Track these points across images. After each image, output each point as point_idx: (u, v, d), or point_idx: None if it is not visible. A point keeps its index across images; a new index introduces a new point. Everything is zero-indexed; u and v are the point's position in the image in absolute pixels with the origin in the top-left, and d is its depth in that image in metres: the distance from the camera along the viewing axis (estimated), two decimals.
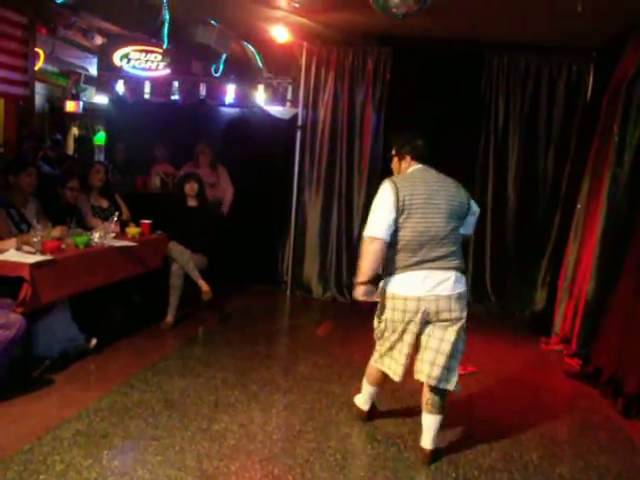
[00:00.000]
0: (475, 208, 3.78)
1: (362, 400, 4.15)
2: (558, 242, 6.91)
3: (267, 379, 4.76)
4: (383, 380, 3.91)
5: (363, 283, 3.53)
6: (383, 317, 3.63)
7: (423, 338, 3.56)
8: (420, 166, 3.66)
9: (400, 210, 3.45)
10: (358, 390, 4.29)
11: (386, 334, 3.64)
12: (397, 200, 3.45)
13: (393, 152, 3.79)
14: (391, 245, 3.52)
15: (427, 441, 3.63)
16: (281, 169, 7.75)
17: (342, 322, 6.61)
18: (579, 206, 6.11)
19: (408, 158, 3.68)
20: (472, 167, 7.31)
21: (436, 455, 3.66)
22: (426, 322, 3.53)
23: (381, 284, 3.64)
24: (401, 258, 3.51)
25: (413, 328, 3.51)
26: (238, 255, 7.51)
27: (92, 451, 3.43)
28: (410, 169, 3.67)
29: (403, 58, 7.21)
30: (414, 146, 3.67)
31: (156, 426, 3.80)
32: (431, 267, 3.49)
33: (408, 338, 3.53)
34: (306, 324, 6.59)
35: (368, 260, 3.50)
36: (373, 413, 4.18)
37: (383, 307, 3.62)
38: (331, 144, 7.49)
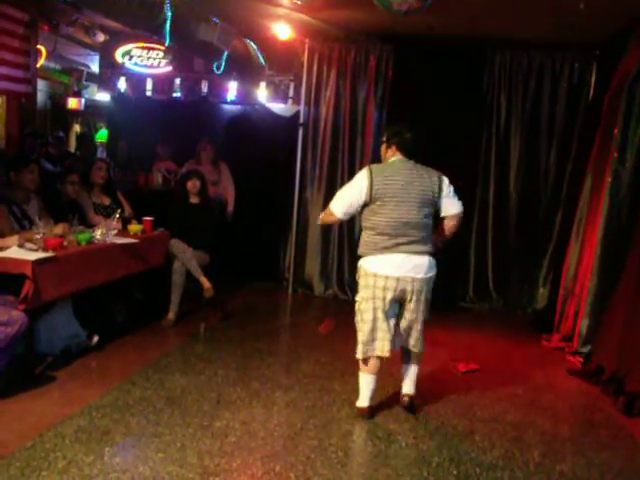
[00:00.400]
0: (447, 189, 4.06)
1: (361, 397, 4.15)
2: (560, 240, 6.90)
3: (269, 376, 4.77)
4: (379, 367, 4.10)
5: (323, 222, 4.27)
6: (364, 296, 3.99)
7: (400, 314, 4.04)
8: (401, 157, 4.04)
9: (373, 198, 3.89)
10: (359, 388, 4.34)
11: (365, 315, 3.99)
12: (370, 188, 3.88)
13: (384, 139, 4.17)
14: (369, 228, 3.99)
15: (410, 388, 4.24)
16: (283, 166, 7.74)
17: (344, 319, 6.58)
18: (584, 192, 6.08)
19: (394, 147, 4.07)
20: (474, 165, 7.30)
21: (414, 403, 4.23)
22: (401, 300, 3.98)
23: (361, 263, 4.03)
24: (379, 240, 3.92)
25: (388, 305, 3.93)
26: (240, 252, 7.51)
27: (94, 448, 3.44)
28: (392, 158, 4.07)
29: (405, 55, 7.19)
30: (402, 138, 4.05)
31: (157, 423, 3.81)
32: (407, 250, 3.90)
33: (385, 315, 3.95)
34: (308, 321, 6.60)
35: (327, 222, 4.29)
36: (375, 409, 4.20)
37: (363, 287, 3.99)
38: (333, 141, 7.48)
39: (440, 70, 7.10)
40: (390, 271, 3.88)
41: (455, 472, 3.48)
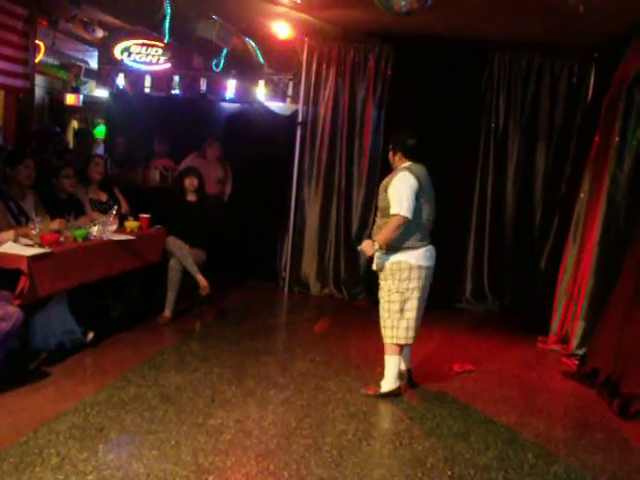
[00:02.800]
0: None
1: (392, 379, 4.42)
2: (557, 242, 6.90)
3: (264, 375, 4.76)
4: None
5: (380, 247, 4.24)
6: (408, 287, 4.28)
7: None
8: (411, 162, 4.39)
9: (420, 194, 4.25)
10: (354, 387, 4.36)
11: (409, 304, 4.31)
12: (419, 185, 4.25)
13: (390, 147, 4.56)
14: (412, 221, 4.22)
15: (408, 363, 4.68)
16: (281, 165, 7.73)
17: (339, 319, 6.61)
18: (582, 195, 6.08)
19: (400, 154, 4.46)
20: (472, 166, 7.30)
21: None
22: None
23: (400, 257, 4.27)
24: (417, 235, 4.29)
25: (423, 293, 4.35)
26: (236, 250, 7.50)
27: (88, 444, 3.43)
28: (406, 164, 4.39)
29: (404, 55, 7.19)
30: (405, 145, 4.43)
31: (152, 420, 3.80)
32: (429, 243, 4.39)
33: (419, 302, 4.34)
34: (303, 321, 6.58)
35: (393, 233, 4.20)
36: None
37: (405, 279, 4.27)
38: (331, 141, 7.46)
39: (439, 71, 7.10)
40: (425, 262, 4.32)
41: (449, 473, 3.48)
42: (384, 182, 4.44)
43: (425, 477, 3.41)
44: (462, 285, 7.48)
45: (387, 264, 4.32)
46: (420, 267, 4.29)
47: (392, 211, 4.23)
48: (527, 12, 5.57)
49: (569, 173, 6.98)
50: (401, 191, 4.22)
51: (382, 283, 4.42)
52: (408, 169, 4.32)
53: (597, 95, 6.44)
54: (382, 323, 4.43)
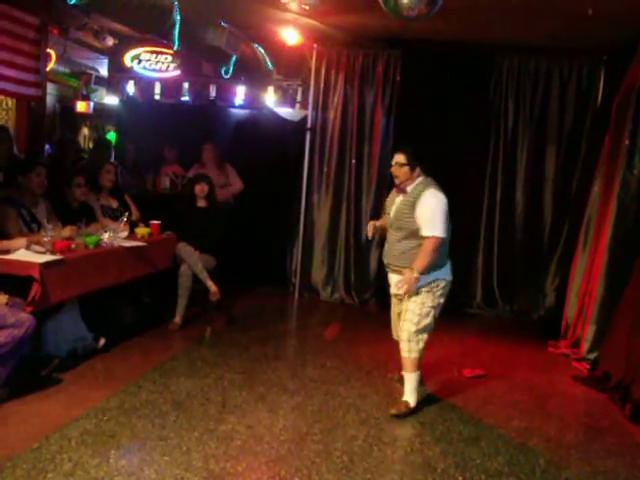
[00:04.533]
0: None
1: (413, 395, 4.32)
2: (567, 246, 6.88)
3: (274, 380, 4.77)
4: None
5: (421, 273, 4.11)
6: (438, 302, 4.27)
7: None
8: (426, 176, 4.34)
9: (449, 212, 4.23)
10: (365, 393, 4.35)
11: (433, 319, 4.28)
12: (447, 203, 4.21)
13: (404, 162, 4.31)
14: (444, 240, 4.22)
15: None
16: (290, 171, 7.75)
17: (350, 324, 6.61)
18: (592, 199, 6.07)
19: (418, 170, 4.32)
20: (481, 171, 7.29)
21: None
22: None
23: (438, 274, 4.22)
24: (446, 251, 4.28)
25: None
26: (246, 256, 7.52)
27: (100, 450, 3.45)
28: (421, 177, 4.32)
29: (413, 61, 7.19)
30: (422, 161, 4.36)
31: (163, 426, 3.82)
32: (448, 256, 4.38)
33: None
34: (314, 326, 6.59)
35: (431, 256, 4.13)
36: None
37: (441, 296, 4.27)
38: (340, 146, 7.48)
39: (448, 75, 7.09)
40: (451, 276, 4.37)
41: (460, 478, 3.47)
42: (402, 200, 4.31)
43: None
44: (472, 290, 7.46)
45: (424, 282, 4.18)
46: (449, 282, 4.33)
47: (425, 232, 4.13)
48: (536, 16, 5.57)
49: (579, 177, 6.96)
50: (436, 212, 4.15)
51: (413, 297, 4.22)
52: (433, 185, 4.25)
53: (607, 98, 6.43)
54: (406, 337, 4.26)
